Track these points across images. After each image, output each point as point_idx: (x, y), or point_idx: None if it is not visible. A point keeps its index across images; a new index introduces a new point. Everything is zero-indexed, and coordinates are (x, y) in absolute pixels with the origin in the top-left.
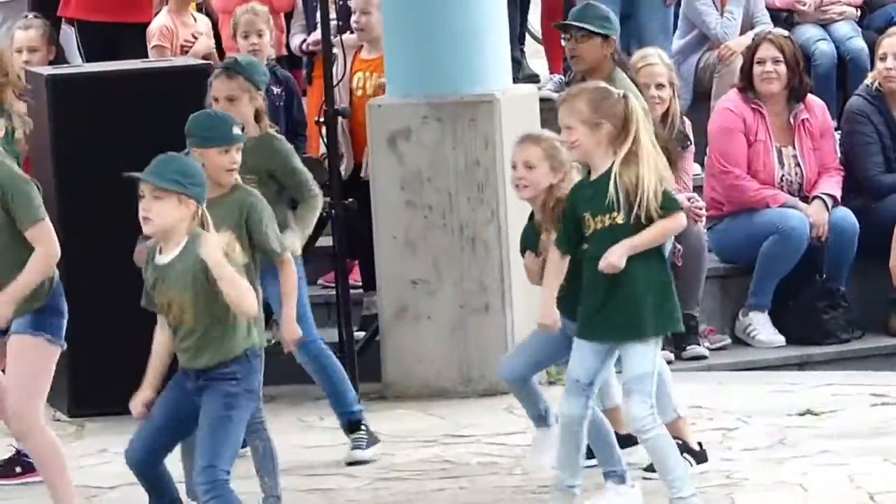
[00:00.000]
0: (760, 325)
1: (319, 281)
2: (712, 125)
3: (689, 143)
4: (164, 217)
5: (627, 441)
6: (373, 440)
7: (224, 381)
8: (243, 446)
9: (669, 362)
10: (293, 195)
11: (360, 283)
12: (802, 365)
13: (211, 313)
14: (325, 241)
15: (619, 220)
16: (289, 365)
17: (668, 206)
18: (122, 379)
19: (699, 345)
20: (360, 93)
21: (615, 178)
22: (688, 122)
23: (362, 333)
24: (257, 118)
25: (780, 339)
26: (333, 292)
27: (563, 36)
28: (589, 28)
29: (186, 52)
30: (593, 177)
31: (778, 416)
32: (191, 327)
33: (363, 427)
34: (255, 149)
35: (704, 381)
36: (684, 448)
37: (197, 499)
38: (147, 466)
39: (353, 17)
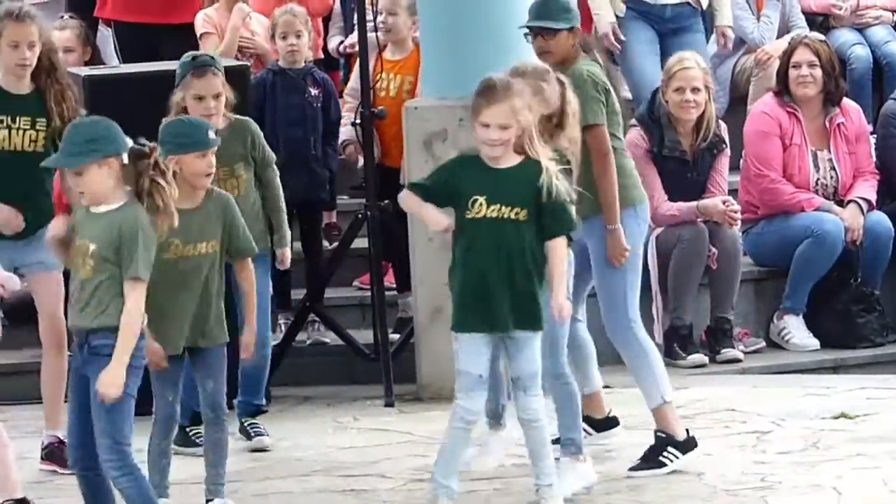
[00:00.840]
0: (795, 329)
1: (354, 283)
2: (748, 129)
3: (724, 146)
4: (93, 186)
5: (605, 424)
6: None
7: (107, 358)
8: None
9: (704, 365)
10: (258, 172)
11: (395, 286)
12: (837, 368)
13: (109, 275)
14: (361, 242)
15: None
16: (323, 366)
17: None
18: None
19: (734, 348)
20: (383, 94)
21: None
22: (724, 126)
23: (396, 336)
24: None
25: (815, 343)
26: (368, 294)
27: (526, 35)
28: (555, 27)
29: (243, 49)
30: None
31: (812, 420)
32: (87, 277)
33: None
34: (231, 135)
35: (739, 384)
36: (668, 441)
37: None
38: (87, 459)
39: (380, 18)
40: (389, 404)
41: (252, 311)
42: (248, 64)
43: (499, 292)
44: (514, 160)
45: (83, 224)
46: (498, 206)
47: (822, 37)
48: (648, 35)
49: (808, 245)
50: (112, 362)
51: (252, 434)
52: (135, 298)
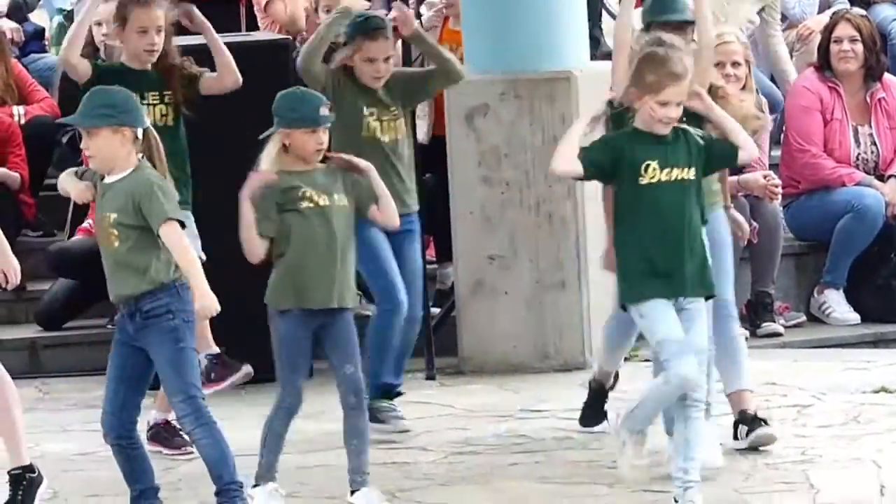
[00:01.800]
0: (835, 303)
1: None
2: (789, 103)
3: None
4: (102, 150)
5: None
6: None
7: (162, 318)
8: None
9: (745, 339)
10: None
11: (435, 259)
12: (877, 342)
13: (135, 240)
14: None
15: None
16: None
17: None
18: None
19: (774, 322)
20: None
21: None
22: (764, 101)
23: (436, 310)
24: None
25: (855, 317)
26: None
27: (643, 29)
28: (686, 19)
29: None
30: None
31: (852, 394)
32: (116, 248)
33: None
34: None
35: (779, 357)
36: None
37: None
38: (121, 429)
39: None
40: (430, 377)
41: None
42: (290, 38)
43: (679, 255)
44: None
45: (103, 196)
46: (670, 168)
47: (863, 12)
48: None
49: (848, 219)
50: (196, 293)
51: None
52: (176, 239)
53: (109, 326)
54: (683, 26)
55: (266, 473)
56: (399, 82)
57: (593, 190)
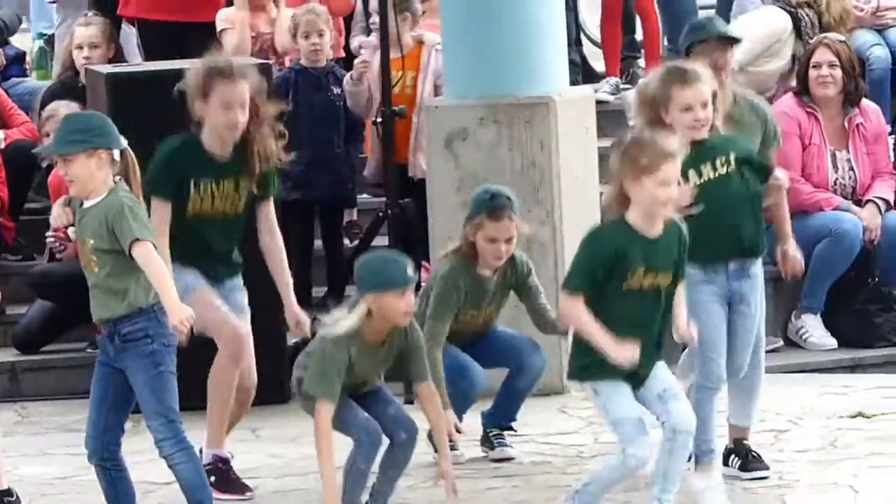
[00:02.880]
0: (813, 328)
1: None
2: None
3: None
4: (80, 175)
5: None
6: None
7: (140, 342)
8: None
9: None
10: None
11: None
12: (854, 368)
13: (112, 265)
14: (381, 240)
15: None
16: None
17: None
18: (182, 378)
19: None
20: (397, 89)
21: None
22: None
23: None
24: None
25: (833, 342)
26: None
27: (688, 49)
28: (735, 36)
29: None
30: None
31: (830, 419)
32: (96, 272)
33: None
34: None
35: None
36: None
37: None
38: (103, 450)
39: (372, 19)
40: (409, 401)
41: None
42: (272, 62)
43: (641, 358)
44: (659, 227)
45: (80, 220)
46: (654, 273)
47: (842, 37)
48: None
49: (826, 244)
50: (167, 308)
51: (496, 445)
52: (146, 256)
53: (89, 351)
54: (725, 44)
55: None
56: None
57: (572, 215)
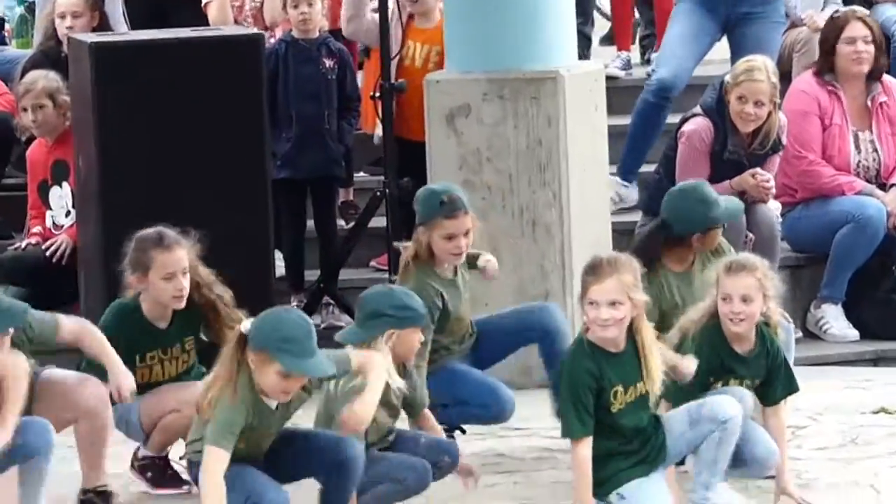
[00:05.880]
0: (833, 319)
1: (371, 263)
2: (786, 108)
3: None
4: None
5: None
6: None
7: None
8: None
9: None
10: None
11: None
12: (877, 360)
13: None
14: (379, 221)
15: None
16: None
17: None
18: None
19: None
20: (408, 62)
21: None
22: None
23: None
24: None
25: (854, 334)
26: (385, 275)
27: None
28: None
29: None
30: None
31: (850, 414)
32: None
33: None
34: None
35: None
36: None
37: None
38: None
39: None
40: None
41: None
42: (263, 33)
43: (645, 449)
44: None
45: None
46: (633, 386)
47: (867, 11)
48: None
49: (848, 231)
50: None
51: None
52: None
53: None
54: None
55: None
56: None
57: (579, 196)
